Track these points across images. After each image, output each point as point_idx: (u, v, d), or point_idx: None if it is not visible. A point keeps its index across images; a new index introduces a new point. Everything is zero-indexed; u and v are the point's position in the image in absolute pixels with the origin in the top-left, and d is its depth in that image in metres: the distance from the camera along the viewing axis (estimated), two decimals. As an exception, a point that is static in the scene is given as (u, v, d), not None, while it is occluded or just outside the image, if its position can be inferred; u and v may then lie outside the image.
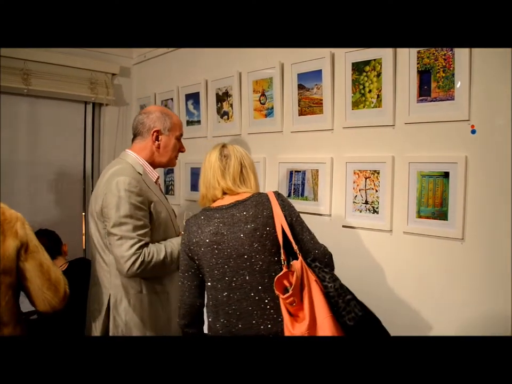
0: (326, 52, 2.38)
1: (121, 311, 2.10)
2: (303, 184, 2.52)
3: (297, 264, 1.64)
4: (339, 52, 2.35)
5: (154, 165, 2.26)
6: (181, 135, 2.33)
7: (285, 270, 1.64)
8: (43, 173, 3.71)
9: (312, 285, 1.63)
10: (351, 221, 2.32)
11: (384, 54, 2.16)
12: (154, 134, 2.22)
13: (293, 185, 2.56)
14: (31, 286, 1.80)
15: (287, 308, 1.60)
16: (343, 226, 2.35)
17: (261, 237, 1.71)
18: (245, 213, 1.74)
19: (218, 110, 3.10)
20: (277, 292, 1.60)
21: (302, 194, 2.51)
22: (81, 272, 2.30)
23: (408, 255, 2.11)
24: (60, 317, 2.54)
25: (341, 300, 1.65)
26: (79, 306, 2.34)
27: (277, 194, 1.81)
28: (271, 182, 2.69)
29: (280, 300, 1.61)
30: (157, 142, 2.24)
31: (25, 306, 1.92)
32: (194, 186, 3.31)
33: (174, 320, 2.15)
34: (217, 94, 3.10)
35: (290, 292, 1.57)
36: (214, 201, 1.86)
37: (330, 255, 1.83)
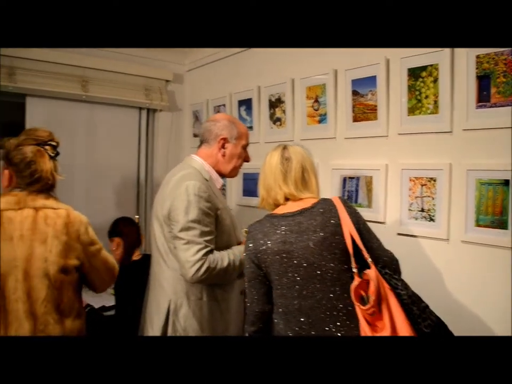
0: (380, 57, 2.36)
1: (180, 316, 2.10)
2: (356, 191, 2.50)
3: (371, 273, 1.61)
4: (394, 58, 2.33)
5: (218, 172, 2.27)
6: (247, 144, 2.32)
7: (359, 279, 1.62)
8: (99, 176, 3.83)
9: (388, 293, 1.61)
10: (406, 229, 2.29)
11: (441, 59, 2.13)
12: (221, 141, 2.23)
13: (346, 191, 2.55)
14: (96, 278, 1.95)
15: (365, 317, 1.58)
16: (398, 234, 2.32)
17: (330, 245, 1.68)
18: (312, 221, 1.71)
19: (271, 116, 3.12)
20: (356, 303, 1.58)
21: (356, 201, 2.50)
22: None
23: (467, 264, 2.07)
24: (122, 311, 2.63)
25: (416, 307, 1.64)
26: (141, 301, 2.39)
27: (343, 201, 1.77)
28: (324, 189, 2.66)
29: (358, 310, 1.59)
30: (223, 149, 2.24)
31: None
32: (246, 192, 3.33)
33: (232, 328, 2.19)
34: (270, 100, 3.12)
35: (372, 303, 1.55)
36: (275, 205, 1.84)
37: (397, 261, 1.82)
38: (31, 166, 1.79)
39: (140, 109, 4.03)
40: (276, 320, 1.77)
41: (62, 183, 3.14)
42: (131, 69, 3.81)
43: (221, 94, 3.61)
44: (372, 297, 1.57)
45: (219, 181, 2.27)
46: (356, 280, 1.63)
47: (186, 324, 2.10)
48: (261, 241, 1.75)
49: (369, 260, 1.67)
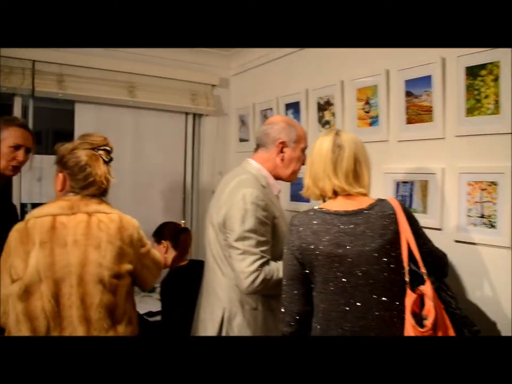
0: (436, 56, 2.26)
1: (234, 326, 2.05)
2: (411, 195, 2.40)
3: (427, 289, 1.51)
4: (450, 56, 2.22)
5: (276, 177, 2.20)
6: (306, 147, 2.24)
7: (413, 294, 1.53)
8: (146, 181, 3.85)
9: (443, 314, 1.52)
10: (464, 235, 2.17)
11: (502, 56, 2.00)
12: (280, 145, 2.16)
13: (399, 196, 2.45)
14: (146, 277, 1.95)
15: (416, 335, 1.49)
16: (456, 241, 2.20)
17: (386, 254, 1.57)
18: (370, 224, 1.60)
19: (319, 119, 3.05)
20: (411, 323, 1.49)
21: (410, 207, 2.38)
22: (200, 274, 2.31)
23: (532, 274, 1.94)
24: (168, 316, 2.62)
25: (467, 330, 1.56)
26: (190, 305, 2.37)
27: (402, 205, 1.65)
28: (376, 193, 2.57)
29: (410, 328, 1.50)
30: (281, 154, 2.16)
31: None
32: (294, 197, 3.26)
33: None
34: (318, 103, 3.05)
35: (429, 326, 1.46)
36: (322, 196, 1.73)
37: (448, 264, 1.77)
38: (85, 169, 1.80)
39: (186, 114, 4.03)
40: (313, 324, 1.68)
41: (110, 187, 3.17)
42: (177, 74, 3.82)
43: (268, 97, 3.56)
44: (430, 320, 1.47)
45: (276, 187, 2.20)
46: (411, 296, 1.54)
47: (240, 333, 2.05)
48: (309, 239, 1.62)
49: (424, 272, 1.58)
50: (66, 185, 1.84)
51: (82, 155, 1.81)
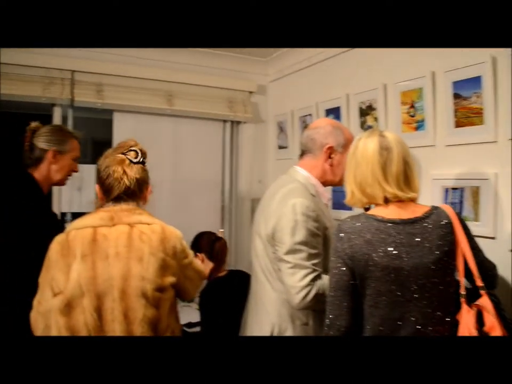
0: (486, 56, 2.14)
1: None
2: (461, 202, 2.28)
3: (486, 303, 1.43)
4: (501, 56, 2.10)
5: (325, 184, 2.11)
6: None
7: (471, 310, 1.44)
8: (184, 190, 3.83)
9: (504, 330, 1.42)
10: (520, 245, 2.04)
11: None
12: (327, 151, 2.05)
13: (449, 204, 2.33)
14: (189, 288, 1.86)
15: None
16: (511, 250, 2.08)
17: (443, 267, 1.48)
18: (427, 235, 1.49)
19: (362, 125, 2.95)
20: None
21: (460, 214, 2.27)
22: (240, 285, 2.25)
23: None
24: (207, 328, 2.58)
25: None
26: (230, 316, 2.32)
27: (458, 214, 1.55)
28: (424, 201, 2.45)
29: None
30: (329, 159, 2.06)
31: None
32: (336, 205, 3.16)
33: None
34: (360, 108, 2.95)
35: None
36: (369, 203, 1.61)
37: (497, 275, 1.67)
38: (108, 170, 1.76)
39: (224, 121, 4.00)
40: None
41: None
42: (215, 82, 3.80)
43: (307, 103, 3.49)
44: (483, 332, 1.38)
45: (325, 196, 2.10)
46: (469, 311, 1.45)
47: None
48: (363, 249, 1.50)
49: (481, 285, 1.48)
50: (101, 195, 1.81)
51: (111, 160, 1.78)
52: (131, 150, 1.81)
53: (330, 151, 2.06)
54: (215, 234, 3.02)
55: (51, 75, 3.21)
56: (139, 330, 1.63)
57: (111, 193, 1.76)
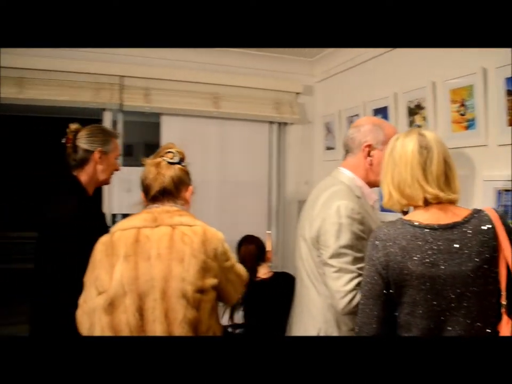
0: (541, 50, 2.04)
1: None
2: (514, 205, 2.18)
3: None
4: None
5: (370, 184, 2.05)
6: None
7: (510, 321, 1.36)
8: (231, 191, 3.84)
9: None
10: None
11: None
12: (366, 149, 2.01)
13: (501, 206, 2.23)
14: (231, 292, 1.85)
15: None
16: None
17: (483, 275, 1.40)
18: (466, 241, 1.41)
19: (410, 124, 2.87)
20: None
21: (514, 217, 2.17)
22: (285, 287, 2.24)
23: None
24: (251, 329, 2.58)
25: None
26: (274, 319, 2.31)
27: (501, 217, 1.46)
28: (473, 203, 2.37)
29: None
30: (369, 158, 2.01)
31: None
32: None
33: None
34: (408, 107, 2.88)
35: None
36: (408, 206, 1.55)
37: None
38: (149, 174, 1.79)
39: (271, 123, 3.99)
40: None
41: (194, 197, 3.20)
42: (261, 83, 3.80)
43: (354, 103, 3.43)
44: None
45: (371, 197, 2.05)
46: (508, 323, 1.37)
47: None
48: (398, 257, 1.44)
49: None
50: (144, 197, 1.85)
51: (151, 164, 1.81)
52: (168, 152, 1.83)
53: (369, 149, 2.01)
54: (249, 237, 3.01)
55: (100, 81, 3.30)
56: (179, 331, 1.63)
57: (149, 193, 1.80)
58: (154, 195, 1.79)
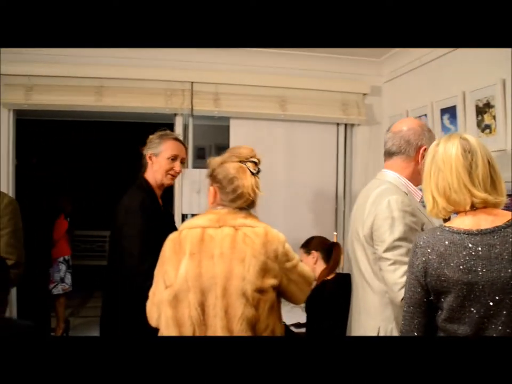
0: None
1: None
2: None
3: None
4: None
5: (416, 184, 2.07)
6: None
7: None
8: (298, 193, 3.89)
9: None
10: None
11: None
12: (424, 152, 2.00)
13: None
14: (295, 291, 1.89)
15: None
16: None
17: None
18: (508, 245, 1.37)
19: (479, 124, 2.81)
20: None
21: None
22: (348, 288, 2.26)
23: None
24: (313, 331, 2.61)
25: None
26: (336, 320, 2.34)
27: None
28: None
29: None
30: (422, 160, 1.99)
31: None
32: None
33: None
34: (476, 106, 2.82)
35: None
36: (452, 212, 1.52)
37: None
38: (233, 182, 1.83)
39: (338, 124, 4.00)
40: None
41: (262, 199, 3.26)
42: (328, 85, 3.82)
43: (422, 103, 3.38)
44: None
45: (418, 193, 2.05)
46: None
47: None
48: (435, 264, 1.44)
49: None
50: (217, 198, 1.90)
51: (231, 168, 1.85)
52: (250, 161, 1.88)
53: (424, 153, 1.99)
54: (328, 240, 3.05)
55: (173, 87, 3.47)
56: (238, 327, 1.71)
57: (233, 203, 1.85)
58: (239, 205, 1.85)
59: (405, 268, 1.78)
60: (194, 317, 1.72)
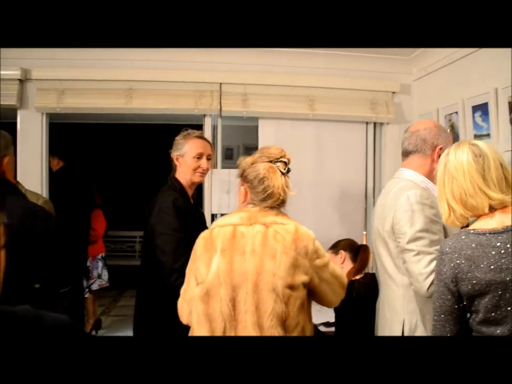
0: None
1: None
2: None
3: None
4: None
5: (432, 182, 2.10)
6: None
7: None
8: (327, 192, 3.88)
9: None
10: None
11: None
12: (439, 151, 2.06)
13: None
14: (327, 292, 1.90)
15: None
16: None
17: None
18: None
19: (512, 120, 2.77)
20: None
21: None
22: (376, 288, 2.27)
23: None
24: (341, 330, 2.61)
25: None
26: (364, 319, 2.35)
27: None
28: None
29: None
30: (438, 159, 2.04)
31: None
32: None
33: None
34: (509, 103, 2.77)
35: None
36: (471, 217, 1.52)
37: None
38: (264, 182, 1.85)
39: (367, 123, 3.98)
40: None
41: (291, 199, 3.27)
42: (356, 84, 3.81)
43: (452, 100, 3.34)
44: None
45: (436, 190, 2.06)
46: None
47: None
48: (464, 268, 1.43)
49: None
50: (248, 198, 1.92)
51: (261, 168, 1.87)
52: (280, 161, 1.90)
53: (439, 153, 2.05)
54: (356, 242, 3.04)
55: (202, 88, 3.50)
56: (268, 323, 1.73)
57: (264, 203, 1.87)
58: (269, 204, 1.86)
59: (429, 257, 1.83)
60: (226, 312, 1.74)
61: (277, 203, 1.87)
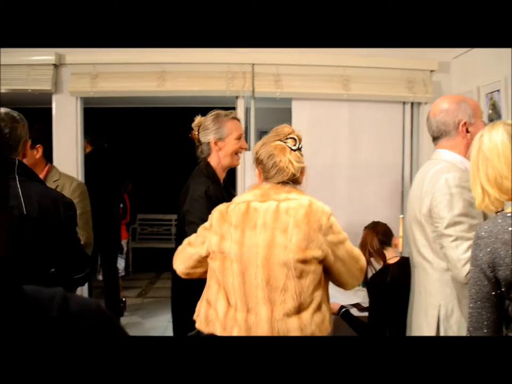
0: None
1: (453, 323, 1.92)
2: None
3: None
4: None
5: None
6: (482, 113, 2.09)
7: None
8: (362, 175, 3.80)
9: None
10: None
11: None
12: (463, 127, 1.99)
13: None
14: (342, 271, 1.87)
15: None
16: None
17: None
18: None
19: (557, 97, 2.64)
20: None
21: None
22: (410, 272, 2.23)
23: None
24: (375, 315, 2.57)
25: None
26: (397, 306, 2.31)
27: None
28: None
29: None
30: (468, 134, 1.99)
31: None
32: None
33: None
34: (555, 79, 2.64)
35: None
36: (506, 201, 1.46)
37: None
38: (273, 158, 1.86)
39: (404, 103, 3.86)
40: None
41: (324, 181, 3.22)
42: (392, 63, 3.69)
43: (494, 78, 3.19)
44: None
45: None
46: None
47: (460, 331, 1.89)
48: (501, 252, 1.36)
49: None
50: (261, 178, 1.93)
51: (271, 147, 1.87)
52: (290, 138, 1.90)
53: (466, 127, 1.98)
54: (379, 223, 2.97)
55: (234, 70, 3.47)
56: (279, 298, 1.73)
57: (274, 179, 1.87)
58: (279, 180, 1.86)
59: (467, 243, 1.77)
60: (237, 285, 1.78)
61: (287, 178, 1.86)
